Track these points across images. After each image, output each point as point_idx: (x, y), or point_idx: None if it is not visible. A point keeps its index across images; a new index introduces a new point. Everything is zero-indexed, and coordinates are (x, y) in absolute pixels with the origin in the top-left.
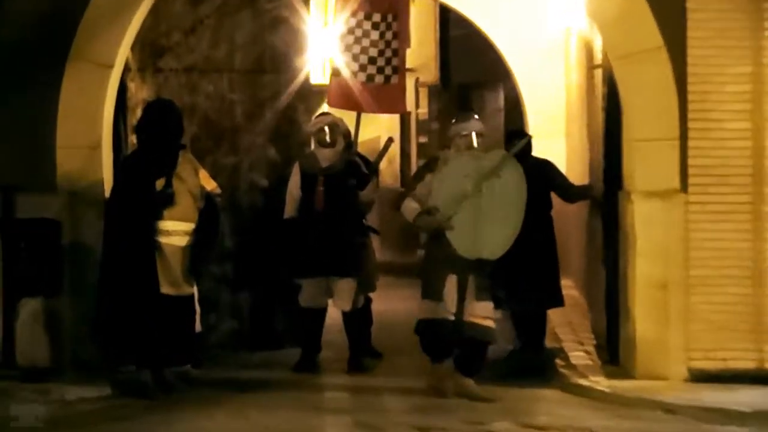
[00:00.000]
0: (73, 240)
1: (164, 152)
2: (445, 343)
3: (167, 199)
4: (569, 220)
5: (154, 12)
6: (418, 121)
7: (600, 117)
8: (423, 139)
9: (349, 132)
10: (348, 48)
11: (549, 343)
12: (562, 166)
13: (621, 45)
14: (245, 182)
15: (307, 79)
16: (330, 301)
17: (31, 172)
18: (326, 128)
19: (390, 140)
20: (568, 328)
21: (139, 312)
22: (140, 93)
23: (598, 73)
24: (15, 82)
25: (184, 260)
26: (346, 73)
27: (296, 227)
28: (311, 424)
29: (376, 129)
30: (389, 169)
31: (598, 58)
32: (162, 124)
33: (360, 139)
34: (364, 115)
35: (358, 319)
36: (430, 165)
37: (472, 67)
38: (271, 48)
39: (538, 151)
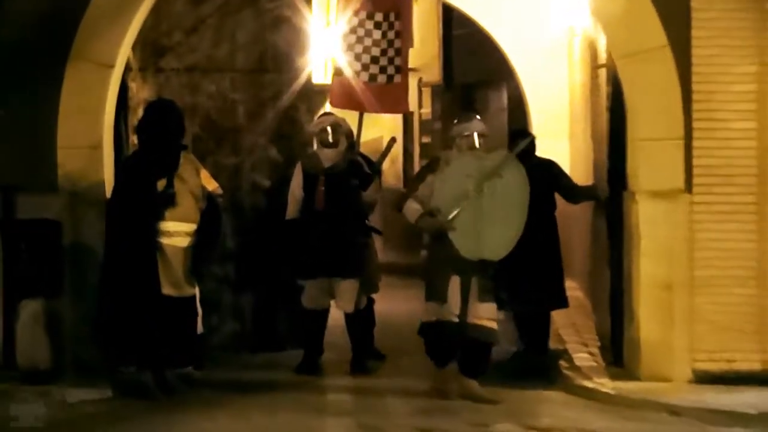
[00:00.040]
0: (74, 241)
1: (165, 152)
2: (450, 346)
3: (168, 200)
4: (573, 220)
5: (155, 11)
6: (421, 121)
7: (604, 116)
8: (426, 139)
9: (351, 132)
10: (350, 47)
11: (553, 344)
12: (565, 166)
13: (625, 44)
14: (247, 183)
15: (309, 79)
16: (332, 303)
17: (32, 173)
18: (329, 128)
19: (393, 140)
20: (572, 329)
21: (141, 313)
22: (141, 93)
23: (602, 73)
24: (15, 82)
25: (185, 261)
26: (348, 72)
27: (298, 228)
28: (313, 426)
29: (379, 129)
30: (392, 170)
31: (602, 57)
32: (163, 125)
33: (362, 139)
34: (366, 115)
35: (361, 320)
36: (431, 166)
37: (475, 67)
38: (272, 47)
39: (541, 151)
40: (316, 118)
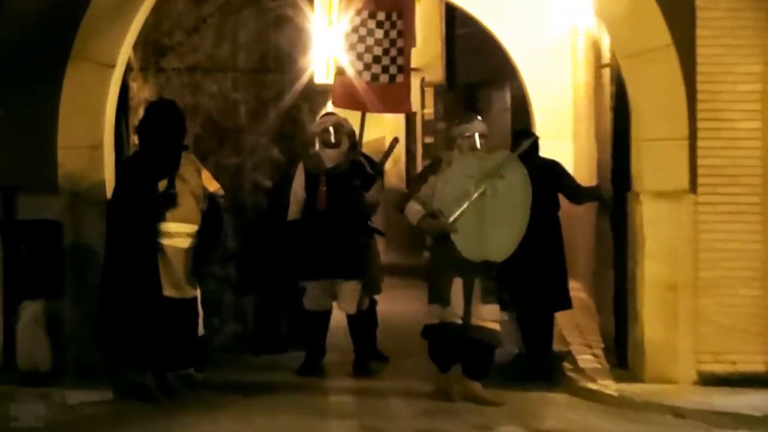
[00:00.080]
0: (75, 241)
1: (166, 153)
2: (453, 348)
3: (169, 201)
4: (577, 221)
5: (156, 11)
6: (423, 121)
7: (608, 116)
8: (429, 140)
9: (353, 132)
10: (352, 47)
11: (556, 346)
12: (569, 167)
13: (629, 43)
14: (248, 183)
15: (311, 79)
16: (335, 304)
17: (32, 173)
18: (331, 128)
19: (395, 140)
20: (576, 330)
21: (142, 314)
22: (142, 93)
23: (606, 72)
24: (15, 82)
25: (186, 262)
26: (350, 72)
27: (300, 229)
28: (316, 428)
29: (381, 129)
30: (394, 170)
31: (606, 56)
32: (164, 125)
33: (365, 139)
34: (369, 115)
35: (363, 321)
36: (433, 166)
37: (478, 67)
38: (274, 47)
39: (545, 151)
40: (318, 118)
